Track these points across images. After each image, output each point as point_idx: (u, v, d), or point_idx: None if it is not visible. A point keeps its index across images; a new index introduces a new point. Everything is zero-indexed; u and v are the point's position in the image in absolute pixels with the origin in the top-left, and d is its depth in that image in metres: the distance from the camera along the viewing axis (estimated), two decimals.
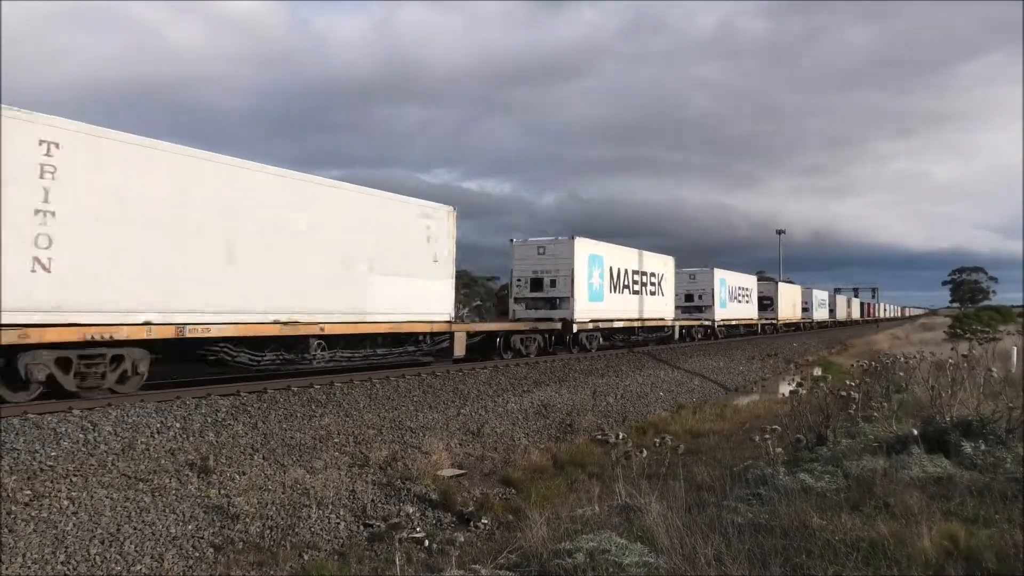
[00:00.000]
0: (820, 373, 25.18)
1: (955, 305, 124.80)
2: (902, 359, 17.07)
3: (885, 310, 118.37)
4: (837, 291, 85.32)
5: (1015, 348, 18.42)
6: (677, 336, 31.41)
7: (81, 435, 8.64)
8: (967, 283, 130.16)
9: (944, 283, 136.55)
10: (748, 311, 42.77)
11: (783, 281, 59.21)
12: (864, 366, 17.06)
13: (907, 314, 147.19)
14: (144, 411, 9.76)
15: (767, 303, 45.55)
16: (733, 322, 39.59)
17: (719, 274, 37.12)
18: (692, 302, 36.13)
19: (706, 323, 35.82)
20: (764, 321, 44.45)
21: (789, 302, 50.75)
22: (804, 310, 55.59)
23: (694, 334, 34.53)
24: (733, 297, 39.58)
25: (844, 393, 10.37)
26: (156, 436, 9.20)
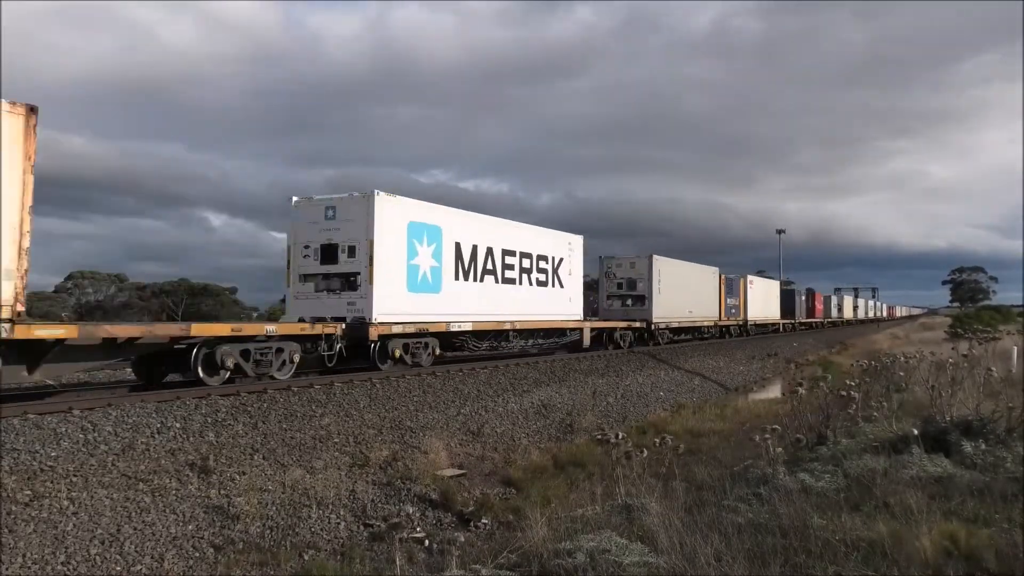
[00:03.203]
0: (821, 373, 25.15)
1: (955, 305, 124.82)
2: (902, 359, 17.08)
3: (856, 309, 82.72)
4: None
5: (1015, 348, 18.44)
6: (588, 342, 23.27)
7: (81, 435, 8.64)
8: (967, 283, 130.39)
9: (944, 283, 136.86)
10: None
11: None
12: (864, 366, 17.07)
13: (897, 314, 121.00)
14: (144, 411, 9.76)
15: (352, 280, 15.24)
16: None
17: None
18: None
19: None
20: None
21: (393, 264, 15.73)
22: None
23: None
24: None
25: (844, 393, 10.37)
26: (156, 436, 9.21)
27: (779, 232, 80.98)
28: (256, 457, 9.35)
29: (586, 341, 23.17)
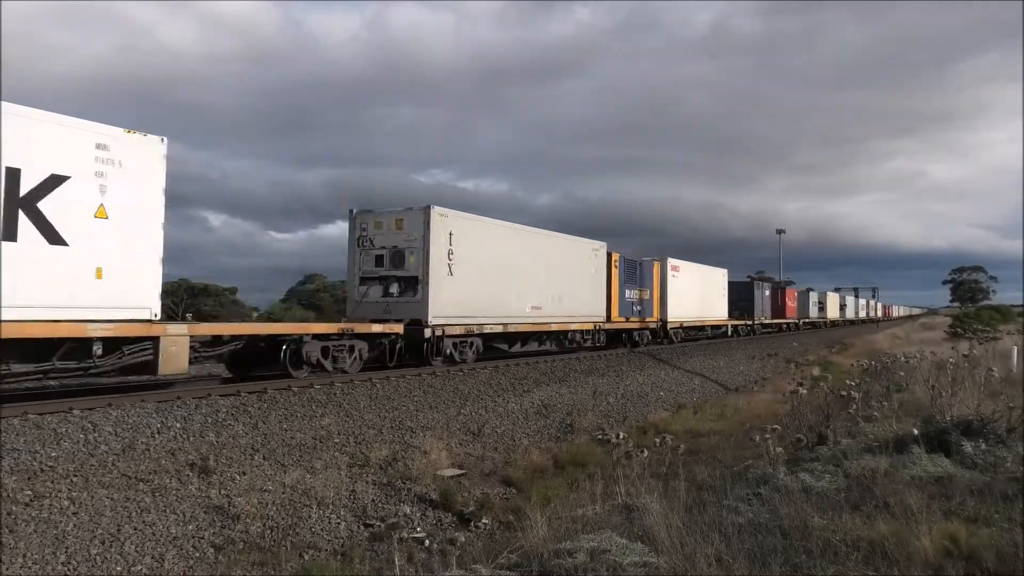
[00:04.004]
0: (820, 373, 25.09)
1: (955, 305, 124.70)
2: (902, 359, 17.08)
3: (844, 308, 70.65)
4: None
5: (1015, 347, 18.43)
6: (177, 367, 10.66)
7: (81, 435, 8.64)
8: (967, 283, 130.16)
9: (944, 282, 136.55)
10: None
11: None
12: (864, 366, 17.07)
13: (894, 314, 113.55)
14: (144, 411, 9.76)
15: None
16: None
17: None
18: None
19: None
20: None
21: None
22: None
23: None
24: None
25: (844, 393, 10.37)
26: (156, 436, 9.21)
27: (779, 232, 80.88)
28: (256, 457, 9.35)
29: (169, 368, 10.68)
